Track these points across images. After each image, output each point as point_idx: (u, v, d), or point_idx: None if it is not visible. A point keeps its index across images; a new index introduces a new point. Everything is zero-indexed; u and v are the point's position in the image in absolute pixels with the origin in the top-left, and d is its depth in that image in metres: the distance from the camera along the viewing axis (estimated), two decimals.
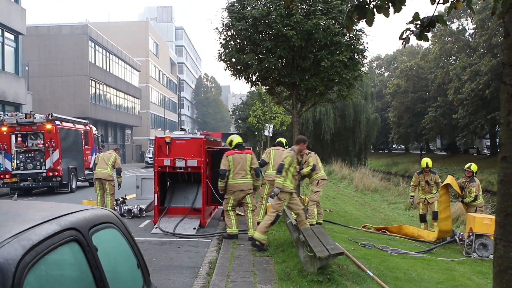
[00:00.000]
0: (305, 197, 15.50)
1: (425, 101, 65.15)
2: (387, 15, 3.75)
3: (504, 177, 2.88)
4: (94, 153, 25.63)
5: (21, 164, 20.86)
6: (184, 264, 8.85)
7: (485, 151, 60.12)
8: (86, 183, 25.31)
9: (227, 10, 14.73)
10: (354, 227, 12.79)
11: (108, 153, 14.95)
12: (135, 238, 3.44)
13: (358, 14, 3.75)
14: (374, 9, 3.72)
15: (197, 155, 12.22)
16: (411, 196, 14.65)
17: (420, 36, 3.87)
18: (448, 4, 3.95)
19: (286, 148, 12.54)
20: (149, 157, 46.90)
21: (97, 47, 48.00)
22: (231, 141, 11.11)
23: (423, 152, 67.17)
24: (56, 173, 20.76)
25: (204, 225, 12.38)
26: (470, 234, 10.95)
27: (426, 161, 13.61)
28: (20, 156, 20.97)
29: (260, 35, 14.27)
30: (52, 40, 44.73)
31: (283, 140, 12.90)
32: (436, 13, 3.82)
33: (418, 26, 3.88)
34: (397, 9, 3.74)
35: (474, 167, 12.75)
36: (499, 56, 43.15)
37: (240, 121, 55.88)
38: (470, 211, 12.24)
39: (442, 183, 12.75)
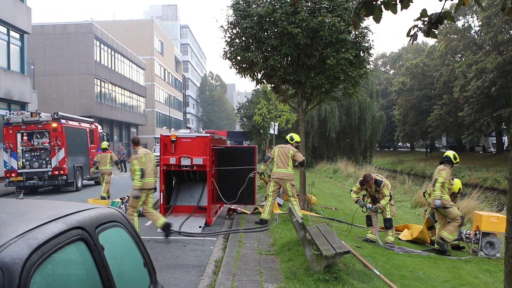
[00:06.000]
0: (310, 195, 15.50)
1: (430, 99, 64.98)
2: (394, 11, 3.72)
3: None
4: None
5: (27, 163, 20.93)
6: (190, 262, 8.84)
7: (491, 149, 59.88)
8: (92, 182, 25.36)
9: (232, 8, 14.69)
10: (360, 226, 12.75)
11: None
12: (141, 237, 3.42)
13: (365, 11, 3.72)
14: (382, 6, 3.69)
15: (202, 154, 12.22)
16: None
17: (428, 32, 3.84)
18: (456, 1, 3.92)
19: (291, 144, 12.55)
20: (155, 156, 46.89)
21: (102, 45, 48.04)
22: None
23: (428, 151, 66.93)
24: (62, 172, 20.82)
25: (209, 224, 12.38)
26: (477, 232, 10.89)
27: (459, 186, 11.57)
28: (26, 155, 21.03)
29: (265, 33, 14.22)
30: (58, 38, 44.78)
31: (288, 137, 12.87)
32: (443, 10, 3.78)
33: (425, 23, 3.84)
34: (405, 6, 3.70)
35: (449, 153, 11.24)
36: (505, 54, 42.97)
37: (245, 119, 55.79)
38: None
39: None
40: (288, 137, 12.87)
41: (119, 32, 62.06)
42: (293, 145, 12.57)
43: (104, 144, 18.75)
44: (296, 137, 12.85)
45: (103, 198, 17.37)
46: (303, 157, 12.71)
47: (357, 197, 11.03)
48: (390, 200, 10.77)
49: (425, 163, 54.12)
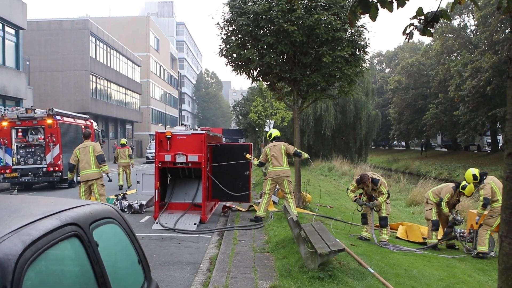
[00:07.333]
0: (305, 193, 15.52)
1: (426, 98, 65.02)
2: (390, 9, 3.71)
3: (510, 173, 2.84)
4: None
5: (22, 159, 20.87)
6: (185, 259, 8.84)
7: (486, 148, 60.00)
8: None
9: (228, 5, 14.67)
10: (355, 224, 12.77)
11: None
12: (136, 234, 3.41)
13: (361, 9, 3.70)
14: (378, 4, 3.67)
15: (197, 151, 12.21)
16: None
17: (424, 31, 3.82)
18: (452, 0, 3.91)
19: (270, 139, 12.67)
20: (150, 153, 46.88)
21: (98, 42, 47.89)
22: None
23: (423, 149, 67.05)
24: (57, 168, 20.76)
25: (204, 221, 12.38)
26: (471, 231, 10.93)
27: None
28: (21, 151, 20.97)
29: (262, 31, 14.21)
30: (53, 35, 44.64)
31: (267, 136, 13.08)
32: (439, 8, 3.77)
33: (421, 21, 3.83)
34: (401, 4, 3.69)
35: (468, 178, 10.89)
36: (501, 53, 43.01)
37: (240, 117, 55.71)
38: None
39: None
40: (267, 135, 13.01)
41: (114, 28, 61.86)
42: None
43: (123, 140, 22.46)
44: (275, 133, 12.94)
45: (120, 186, 20.28)
46: (295, 148, 12.69)
47: (355, 196, 11.09)
48: (387, 197, 10.82)
49: (420, 162, 54.20)
